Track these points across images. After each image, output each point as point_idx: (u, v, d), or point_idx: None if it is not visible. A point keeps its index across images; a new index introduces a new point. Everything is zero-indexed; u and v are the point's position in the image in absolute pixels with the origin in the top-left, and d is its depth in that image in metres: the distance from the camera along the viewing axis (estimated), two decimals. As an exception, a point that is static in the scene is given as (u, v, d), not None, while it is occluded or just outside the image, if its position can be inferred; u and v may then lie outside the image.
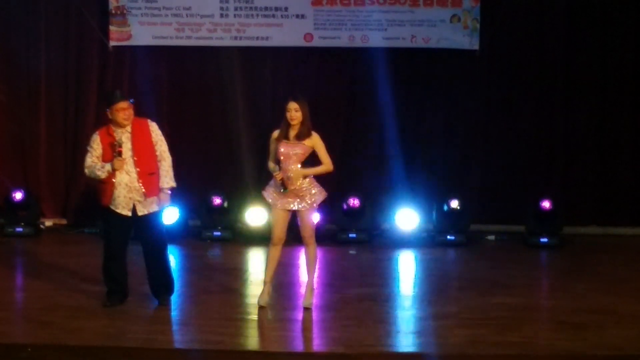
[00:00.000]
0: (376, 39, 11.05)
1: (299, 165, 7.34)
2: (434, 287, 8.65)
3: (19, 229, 10.73)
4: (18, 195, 10.78)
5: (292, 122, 7.34)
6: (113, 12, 11.09)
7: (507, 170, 11.24)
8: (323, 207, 9.88)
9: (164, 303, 7.54)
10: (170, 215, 9.96)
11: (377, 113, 11.05)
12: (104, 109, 7.43)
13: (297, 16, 11.07)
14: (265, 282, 7.55)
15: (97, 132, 7.45)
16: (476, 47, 11.01)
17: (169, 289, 7.65)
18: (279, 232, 7.45)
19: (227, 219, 10.82)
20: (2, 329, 6.95)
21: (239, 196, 10.96)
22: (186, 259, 9.90)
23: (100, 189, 7.40)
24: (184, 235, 10.53)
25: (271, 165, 7.50)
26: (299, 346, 6.86)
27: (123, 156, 7.25)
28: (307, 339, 7.02)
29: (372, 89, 10.95)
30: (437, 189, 10.95)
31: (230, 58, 11.23)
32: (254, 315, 7.39)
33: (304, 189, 7.35)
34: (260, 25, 11.09)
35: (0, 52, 11.26)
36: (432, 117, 11.29)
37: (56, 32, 11.27)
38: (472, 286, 8.45)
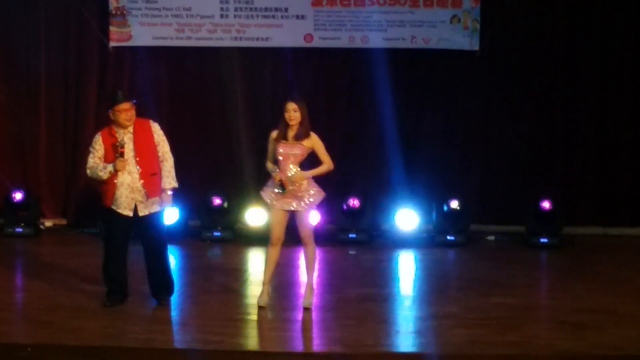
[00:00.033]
0: (376, 40, 11.04)
1: (298, 167, 7.34)
2: (434, 287, 8.65)
3: (19, 230, 10.73)
4: (18, 196, 10.78)
5: (291, 123, 7.34)
6: (113, 12, 11.09)
7: (507, 170, 11.24)
8: (323, 207, 9.91)
9: (164, 303, 7.55)
10: (170, 216, 9.95)
11: (377, 113, 11.05)
12: (107, 110, 7.45)
13: (297, 17, 11.08)
14: (264, 283, 7.55)
15: (99, 133, 7.46)
16: (476, 47, 11.01)
17: (169, 290, 7.66)
18: (278, 233, 7.45)
19: (227, 219, 10.82)
20: (2, 328, 6.95)
21: (239, 196, 10.96)
22: (186, 259, 9.90)
23: (102, 189, 7.41)
24: (183, 235, 10.53)
25: (270, 165, 7.50)
26: (298, 346, 6.86)
27: (125, 157, 7.26)
28: (307, 339, 7.03)
29: (372, 89, 10.95)
30: (437, 189, 10.94)
31: (230, 59, 11.23)
32: (253, 316, 7.40)
33: (303, 189, 7.35)
34: (260, 26, 11.10)
35: (0, 52, 11.27)
36: (432, 118, 11.29)
37: (56, 32, 11.28)
38: (472, 286, 8.45)
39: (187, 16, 11.10)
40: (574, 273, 9.19)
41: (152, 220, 7.41)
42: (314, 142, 7.39)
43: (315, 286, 7.80)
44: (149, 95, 10.78)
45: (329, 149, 7.51)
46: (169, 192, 7.46)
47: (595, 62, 11.12)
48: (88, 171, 7.41)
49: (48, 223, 11.38)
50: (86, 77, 11.31)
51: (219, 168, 11.34)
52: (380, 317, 7.44)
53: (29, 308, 7.62)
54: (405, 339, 6.98)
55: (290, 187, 7.31)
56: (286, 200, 7.36)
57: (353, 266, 9.70)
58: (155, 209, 7.41)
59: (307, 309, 7.47)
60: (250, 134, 11.14)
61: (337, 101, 11.31)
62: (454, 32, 11.00)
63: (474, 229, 10.88)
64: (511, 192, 11.13)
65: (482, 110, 11.24)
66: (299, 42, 11.10)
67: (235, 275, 8.99)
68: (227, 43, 11.16)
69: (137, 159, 7.32)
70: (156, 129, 7.48)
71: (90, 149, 7.43)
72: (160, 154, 7.44)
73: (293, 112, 7.32)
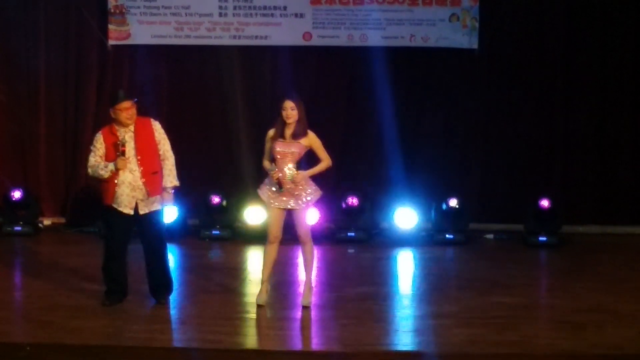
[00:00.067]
0: (375, 38, 11.04)
1: (295, 165, 7.33)
2: (433, 286, 8.64)
3: (18, 228, 10.72)
4: (17, 194, 10.78)
5: (288, 121, 7.33)
6: (112, 11, 11.09)
7: (507, 170, 11.24)
8: (322, 206, 9.92)
9: (163, 302, 7.55)
10: (169, 214, 9.95)
11: (376, 112, 11.05)
12: (106, 109, 7.44)
13: (296, 15, 11.07)
14: (263, 281, 7.55)
15: (100, 132, 7.46)
16: (475, 46, 11.01)
17: (168, 288, 7.65)
18: (275, 231, 7.44)
19: (226, 218, 10.82)
20: (1, 328, 6.94)
21: (238, 195, 10.95)
22: (185, 258, 9.89)
23: (102, 188, 7.40)
24: (182, 234, 10.52)
25: (267, 164, 7.49)
26: (297, 345, 6.86)
27: (126, 155, 7.26)
28: (306, 337, 7.02)
29: (371, 88, 10.94)
30: (436, 187, 10.94)
31: (229, 57, 11.22)
32: (252, 314, 7.39)
33: (300, 188, 7.34)
34: (259, 24, 11.10)
35: (0, 52, 11.26)
36: (431, 117, 11.28)
37: (56, 31, 11.27)
38: (471, 285, 8.44)
39: (185, 14, 11.10)
40: (573, 272, 9.18)
41: (152, 219, 7.41)
42: (312, 140, 7.38)
43: (314, 285, 7.80)
44: (148, 94, 10.78)
45: (328, 147, 7.51)
46: (170, 191, 7.47)
47: (595, 62, 11.11)
48: (89, 170, 7.41)
49: (47, 222, 11.37)
50: (86, 76, 11.30)
51: (218, 166, 11.33)
52: (379, 315, 7.43)
53: (28, 307, 7.62)
54: (404, 337, 6.97)
55: (288, 186, 7.31)
56: (283, 198, 7.35)
57: (352, 265, 9.70)
58: (155, 207, 7.41)
59: (306, 308, 7.47)
60: (249, 132, 11.13)
61: (336, 99, 11.30)
62: (452, 31, 11.00)
63: (473, 227, 10.87)
64: (511, 191, 11.12)
65: (481, 110, 11.24)
66: (298, 41, 11.10)
67: (234, 273, 8.99)
68: (226, 41, 11.16)
69: (139, 157, 7.31)
70: (157, 127, 7.48)
71: (91, 147, 7.43)
72: (161, 153, 7.44)
73: (290, 110, 7.31)
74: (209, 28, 11.11)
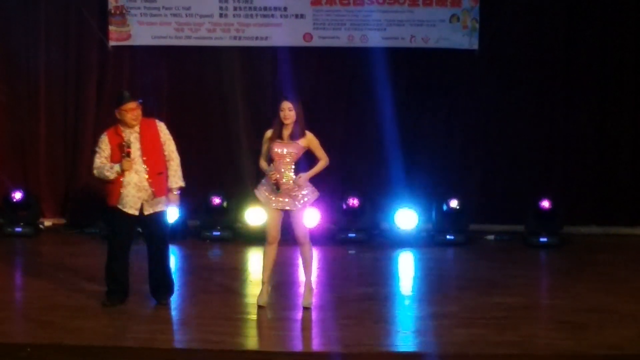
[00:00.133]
0: (375, 39, 11.04)
1: (293, 166, 7.33)
2: (434, 286, 8.65)
3: (19, 229, 10.72)
4: (17, 195, 10.78)
5: (286, 122, 7.33)
6: (112, 12, 11.09)
7: (507, 170, 11.23)
8: (322, 206, 9.92)
9: (163, 303, 7.55)
10: (170, 215, 9.92)
11: (376, 113, 11.04)
12: (106, 109, 7.45)
13: (297, 16, 11.07)
14: (263, 282, 7.55)
15: (105, 133, 7.46)
16: (476, 47, 11.01)
17: (169, 289, 7.66)
18: (274, 232, 7.44)
19: (227, 218, 10.82)
20: (1, 328, 6.95)
21: (238, 196, 10.94)
22: (186, 258, 9.90)
23: (107, 189, 7.40)
24: (183, 235, 10.52)
25: (264, 164, 7.48)
26: (298, 346, 6.86)
27: (132, 156, 7.26)
28: (307, 338, 7.02)
29: (371, 88, 10.94)
30: (436, 188, 10.94)
31: (230, 58, 11.23)
32: (253, 315, 7.40)
33: (297, 189, 7.34)
34: (260, 25, 11.10)
35: (0, 52, 11.26)
36: (431, 117, 11.28)
37: (56, 32, 11.27)
38: (471, 286, 8.45)
39: (186, 15, 11.10)
40: (573, 273, 9.19)
41: (156, 219, 7.43)
42: (310, 140, 7.38)
43: (314, 285, 7.80)
44: (149, 95, 10.73)
45: (328, 148, 7.51)
46: (176, 192, 7.47)
47: (595, 62, 11.12)
48: (95, 171, 7.40)
49: (47, 223, 11.37)
50: (86, 76, 11.30)
51: (218, 167, 11.32)
52: (380, 316, 7.43)
53: (28, 307, 7.63)
54: (404, 338, 6.98)
55: (285, 187, 7.30)
56: (280, 199, 7.35)
57: (352, 265, 9.70)
58: (160, 208, 7.42)
59: (306, 309, 7.47)
60: (250, 133, 11.12)
61: (337, 100, 11.30)
62: (453, 31, 11.00)
63: (473, 228, 10.87)
64: (511, 192, 11.12)
65: (481, 110, 11.24)
66: (298, 42, 11.10)
67: (235, 274, 8.99)
68: (226, 42, 11.16)
69: (144, 158, 7.32)
70: (162, 128, 7.50)
71: (97, 148, 7.43)
72: (166, 153, 7.45)
73: (288, 111, 7.31)
74: (209, 29, 11.11)
